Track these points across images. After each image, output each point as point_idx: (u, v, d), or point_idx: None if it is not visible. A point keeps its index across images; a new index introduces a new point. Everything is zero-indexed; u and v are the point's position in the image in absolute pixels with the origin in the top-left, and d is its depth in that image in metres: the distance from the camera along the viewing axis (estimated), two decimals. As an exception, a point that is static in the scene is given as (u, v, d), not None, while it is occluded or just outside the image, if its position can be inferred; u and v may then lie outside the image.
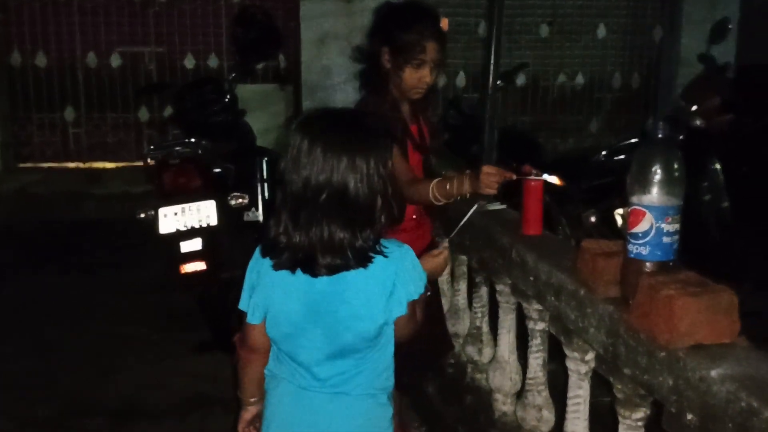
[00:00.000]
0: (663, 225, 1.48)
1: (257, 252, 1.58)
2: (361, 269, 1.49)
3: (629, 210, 1.51)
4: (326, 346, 1.54)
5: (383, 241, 1.53)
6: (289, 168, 1.46)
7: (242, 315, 1.62)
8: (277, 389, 1.63)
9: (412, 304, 1.58)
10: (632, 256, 1.52)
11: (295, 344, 1.56)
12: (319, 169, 1.42)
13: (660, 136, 1.51)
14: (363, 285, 1.51)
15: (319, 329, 1.54)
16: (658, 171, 1.48)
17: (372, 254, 1.49)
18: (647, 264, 1.50)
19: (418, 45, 2.19)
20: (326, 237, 1.45)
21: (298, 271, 1.50)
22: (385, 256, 1.51)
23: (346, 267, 1.48)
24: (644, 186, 1.49)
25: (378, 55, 2.26)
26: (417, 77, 2.23)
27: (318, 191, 1.43)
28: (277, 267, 1.52)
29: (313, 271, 1.48)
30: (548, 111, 6.65)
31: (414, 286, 1.57)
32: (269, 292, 1.56)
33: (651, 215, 1.48)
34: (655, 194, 1.48)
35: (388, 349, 1.60)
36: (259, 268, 1.57)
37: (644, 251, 1.50)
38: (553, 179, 2.27)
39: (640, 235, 1.50)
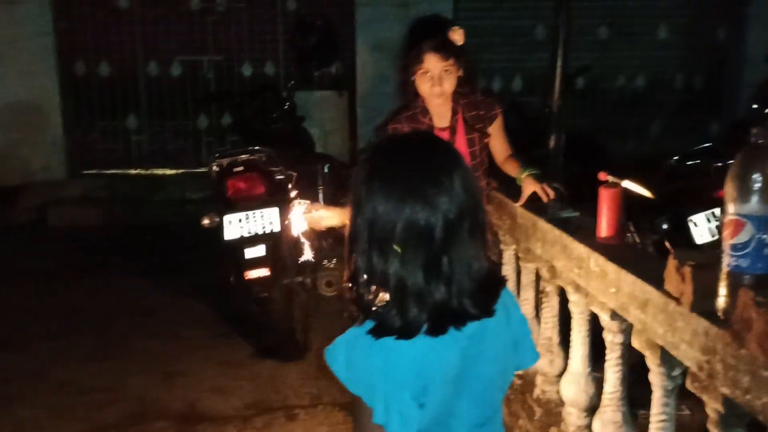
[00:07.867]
0: (765, 236, 1.39)
1: (380, 343, 1.16)
2: (493, 318, 1.24)
3: (727, 220, 1.43)
4: (476, 415, 1.27)
5: None
6: (387, 212, 1.17)
7: None
8: None
9: None
10: (730, 268, 1.43)
11: (444, 427, 1.25)
12: (433, 201, 1.16)
13: (760, 141, 1.42)
14: (500, 334, 1.27)
15: (465, 399, 1.24)
16: (759, 178, 1.39)
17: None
18: (746, 277, 1.42)
19: (417, 58, 2.42)
20: (468, 274, 1.18)
21: (435, 343, 1.17)
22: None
23: (494, 302, 1.24)
24: (744, 194, 1.40)
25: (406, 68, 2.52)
26: (426, 86, 2.45)
27: (448, 224, 1.17)
28: (419, 335, 1.17)
29: (464, 320, 1.19)
30: (608, 113, 6.48)
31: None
32: (421, 386, 1.17)
33: (751, 225, 1.39)
34: (755, 203, 1.39)
35: None
36: (392, 362, 1.16)
37: (744, 263, 1.41)
38: (637, 187, 2.17)
39: (740, 246, 1.41)
